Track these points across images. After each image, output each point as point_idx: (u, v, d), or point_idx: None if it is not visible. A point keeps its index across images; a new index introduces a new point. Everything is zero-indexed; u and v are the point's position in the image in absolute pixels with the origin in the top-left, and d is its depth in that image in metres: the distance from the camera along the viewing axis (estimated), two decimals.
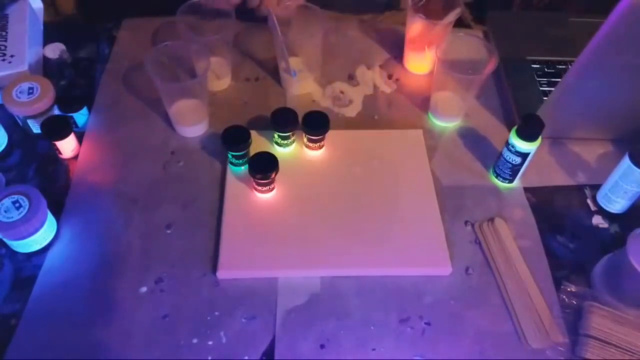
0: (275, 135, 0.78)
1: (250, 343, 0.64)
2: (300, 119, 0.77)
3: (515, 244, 0.72)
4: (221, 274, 0.68)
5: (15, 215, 0.66)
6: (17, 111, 0.77)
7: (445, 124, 0.86)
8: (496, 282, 0.69)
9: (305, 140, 0.79)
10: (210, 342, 0.63)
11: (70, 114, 0.81)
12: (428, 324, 0.66)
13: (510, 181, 0.78)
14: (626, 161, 0.71)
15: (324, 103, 0.88)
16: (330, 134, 0.78)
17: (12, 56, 0.84)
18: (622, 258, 0.64)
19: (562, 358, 0.64)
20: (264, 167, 0.71)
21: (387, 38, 0.98)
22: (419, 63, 0.92)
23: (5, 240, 0.68)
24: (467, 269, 0.71)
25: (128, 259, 0.70)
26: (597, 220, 0.77)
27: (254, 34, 0.97)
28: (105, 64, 0.92)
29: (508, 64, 0.91)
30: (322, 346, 0.64)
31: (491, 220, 0.74)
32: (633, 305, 0.67)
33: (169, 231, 0.72)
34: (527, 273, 0.69)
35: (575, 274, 0.71)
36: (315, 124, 0.76)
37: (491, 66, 0.78)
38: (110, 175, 0.78)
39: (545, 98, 0.86)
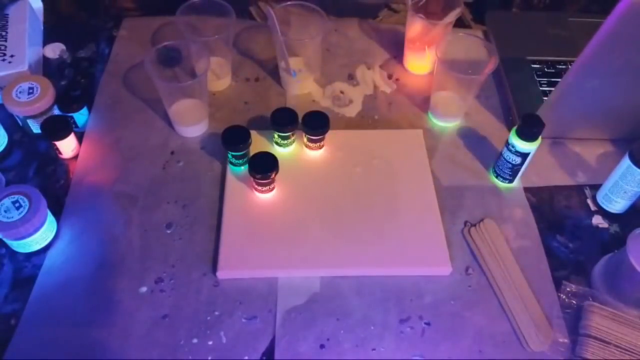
0: (275, 135, 0.78)
1: (250, 343, 0.64)
2: (300, 119, 0.77)
3: (507, 245, 0.72)
4: (221, 274, 0.68)
5: (15, 215, 0.66)
6: (17, 111, 0.77)
7: (445, 124, 0.86)
8: (490, 285, 0.69)
9: (305, 140, 0.79)
10: (210, 342, 0.63)
11: (70, 114, 0.81)
12: (428, 324, 0.66)
13: (510, 181, 0.78)
14: (626, 161, 0.71)
15: (324, 103, 0.88)
16: (330, 134, 0.78)
17: (12, 56, 0.84)
18: (622, 258, 0.64)
19: (562, 358, 0.64)
20: (264, 167, 0.71)
21: (387, 38, 0.98)
22: (419, 63, 0.92)
23: (5, 240, 0.68)
24: (467, 269, 0.71)
25: (128, 259, 0.70)
26: (597, 220, 0.77)
27: (254, 34, 0.97)
28: (105, 64, 0.92)
29: (508, 64, 0.91)
30: (322, 346, 0.64)
31: (480, 221, 0.74)
32: (633, 305, 0.67)
33: (169, 231, 0.72)
34: (521, 276, 0.69)
35: (575, 274, 0.71)
36: (315, 124, 0.76)
37: (491, 66, 0.78)
38: (110, 175, 0.78)
39: (545, 98, 0.86)
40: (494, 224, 0.74)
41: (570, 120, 0.82)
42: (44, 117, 0.78)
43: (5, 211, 0.66)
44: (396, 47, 0.97)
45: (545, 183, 0.80)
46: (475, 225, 0.74)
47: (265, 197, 0.74)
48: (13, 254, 0.70)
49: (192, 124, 0.82)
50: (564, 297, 0.68)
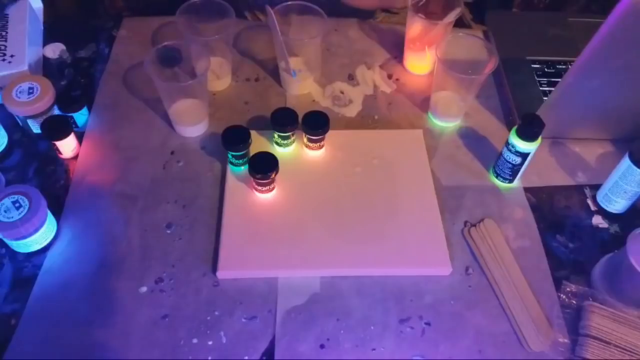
0: (275, 135, 0.78)
1: (250, 343, 0.64)
2: (300, 119, 0.77)
3: (507, 245, 0.72)
4: (221, 274, 0.68)
5: (15, 215, 0.66)
6: (17, 111, 0.77)
7: (445, 124, 0.86)
8: (490, 285, 0.69)
9: (305, 140, 0.79)
10: (210, 342, 0.63)
11: (70, 114, 0.81)
12: (428, 324, 0.66)
13: (510, 181, 0.78)
14: (626, 161, 0.71)
15: (324, 103, 0.88)
16: (330, 134, 0.78)
17: (12, 56, 0.84)
18: (622, 258, 0.64)
19: (562, 358, 0.64)
20: (264, 167, 0.71)
21: (387, 38, 0.98)
22: (419, 63, 0.92)
23: (5, 240, 0.68)
24: (467, 269, 0.71)
25: (128, 259, 0.70)
26: (597, 220, 0.77)
27: (254, 34, 0.97)
28: (105, 64, 0.92)
29: (508, 64, 0.91)
30: (322, 346, 0.64)
31: (481, 221, 0.74)
32: (633, 305, 0.67)
33: (169, 231, 0.72)
34: (521, 276, 0.69)
35: (575, 274, 0.71)
36: (315, 124, 0.76)
37: (491, 66, 0.78)
38: (110, 175, 0.78)
39: (545, 98, 0.86)
40: (494, 224, 0.74)
41: (570, 120, 0.82)
42: (44, 117, 0.78)
43: (5, 211, 0.66)
44: (396, 47, 0.97)
45: (545, 183, 0.80)
46: (475, 225, 0.74)
47: (265, 197, 0.74)
48: (13, 254, 0.70)
49: (192, 124, 0.82)
50: (564, 297, 0.68)
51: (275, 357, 0.63)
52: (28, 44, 0.86)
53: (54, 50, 0.92)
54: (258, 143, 0.79)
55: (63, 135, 0.77)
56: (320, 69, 0.91)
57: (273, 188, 0.74)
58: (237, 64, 0.92)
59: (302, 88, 0.89)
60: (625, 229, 0.75)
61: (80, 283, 0.67)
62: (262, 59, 0.94)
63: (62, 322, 0.64)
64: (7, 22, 0.88)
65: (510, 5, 1.08)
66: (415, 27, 0.88)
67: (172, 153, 0.81)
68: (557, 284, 0.70)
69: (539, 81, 0.90)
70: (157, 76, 0.75)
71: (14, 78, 0.80)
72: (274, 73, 0.91)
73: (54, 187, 0.76)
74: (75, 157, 0.80)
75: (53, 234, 0.70)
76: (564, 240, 0.74)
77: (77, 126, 0.83)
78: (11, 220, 0.65)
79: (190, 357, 0.62)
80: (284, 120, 0.76)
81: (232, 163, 0.77)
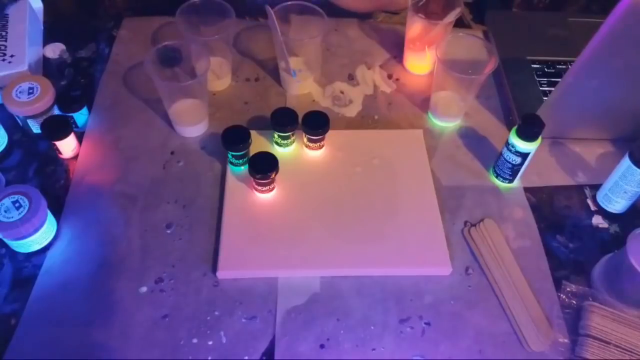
0: (275, 135, 0.78)
1: (250, 343, 0.64)
2: (300, 119, 0.77)
3: (507, 245, 0.72)
4: (221, 274, 0.68)
5: (15, 215, 0.66)
6: (17, 111, 0.77)
7: (445, 124, 0.86)
8: (490, 285, 0.69)
9: (305, 140, 0.79)
10: (210, 342, 0.64)
11: (70, 114, 0.81)
12: (428, 324, 0.66)
13: (510, 181, 0.78)
14: (626, 161, 0.71)
15: (324, 103, 0.88)
16: (330, 134, 0.78)
17: (12, 56, 0.84)
18: (622, 258, 0.64)
19: (562, 358, 0.64)
20: (264, 167, 0.71)
21: (387, 38, 0.98)
22: (419, 63, 0.92)
23: (5, 240, 0.68)
24: (467, 269, 0.71)
25: (128, 259, 0.70)
26: (597, 220, 0.77)
27: (254, 34, 0.97)
28: (105, 64, 0.92)
29: (508, 64, 0.91)
30: (322, 346, 0.64)
31: (480, 221, 0.74)
32: (633, 305, 0.67)
33: (169, 231, 0.72)
34: (521, 276, 0.69)
35: (575, 274, 0.71)
36: (315, 124, 0.76)
37: (491, 66, 0.78)
38: (110, 175, 0.78)
39: (545, 98, 0.86)
40: (494, 224, 0.74)
41: (570, 120, 0.82)
42: (44, 117, 0.78)
43: (5, 211, 0.66)
44: (396, 47, 0.97)
45: (545, 183, 0.80)
46: (475, 225, 0.74)
47: (265, 197, 0.74)
48: (13, 254, 0.70)
49: (192, 124, 0.82)
50: (564, 297, 0.68)
51: (275, 357, 0.63)
52: (28, 44, 0.86)
53: (54, 50, 0.92)
54: (258, 143, 0.79)
55: (63, 135, 0.77)
56: (320, 69, 0.91)
57: (273, 188, 0.74)
58: (237, 64, 0.92)
59: (302, 88, 0.89)
60: (625, 229, 0.75)
61: (80, 283, 0.67)
62: (262, 59, 0.94)
63: (62, 322, 0.64)
64: (7, 22, 0.88)
65: (510, 5, 1.08)
66: (415, 27, 0.88)
67: (172, 153, 0.81)
68: (557, 284, 0.70)
69: (539, 81, 0.89)
70: (157, 76, 0.75)
71: (14, 78, 0.80)
72: (274, 73, 0.91)
73: (54, 187, 0.76)
74: (75, 157, 0.80)
75: (53, 234, 0.70)
76: (564, 240, 0.74)
77: (77, 126, 0.83)
78: (11, 220, 0.65)
79: (190, 357, 0.62)
80: (284, 120, 0.76)
81: (232, 163, 0.77)
